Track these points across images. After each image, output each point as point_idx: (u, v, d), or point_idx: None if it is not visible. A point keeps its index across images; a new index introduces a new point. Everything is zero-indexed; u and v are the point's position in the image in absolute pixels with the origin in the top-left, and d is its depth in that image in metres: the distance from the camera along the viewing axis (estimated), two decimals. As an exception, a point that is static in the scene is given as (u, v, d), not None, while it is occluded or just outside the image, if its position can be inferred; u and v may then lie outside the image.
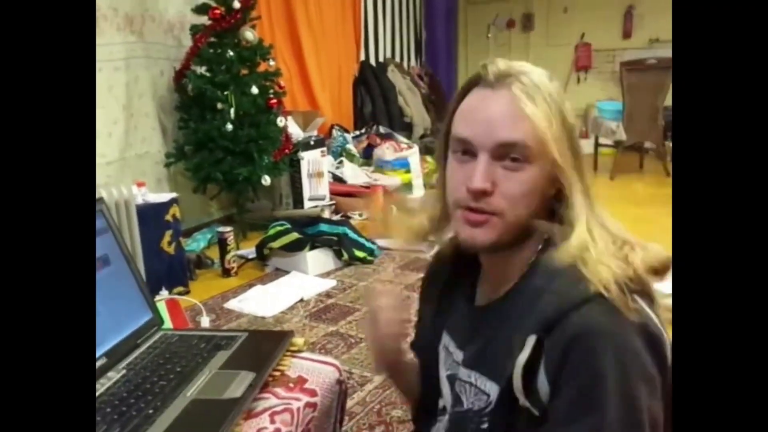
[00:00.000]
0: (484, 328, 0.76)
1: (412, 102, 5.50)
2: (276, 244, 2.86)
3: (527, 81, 0.69)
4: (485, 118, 0.69)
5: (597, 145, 5.21)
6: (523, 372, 0.64)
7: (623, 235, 0.70)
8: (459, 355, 0.80)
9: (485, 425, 0.72)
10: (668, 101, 4.80)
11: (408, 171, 4.35)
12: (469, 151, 0.70)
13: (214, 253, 2.98)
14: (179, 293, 2.47)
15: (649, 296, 0.67)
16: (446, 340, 0.84)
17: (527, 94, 0.68)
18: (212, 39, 3.15)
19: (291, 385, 0.94)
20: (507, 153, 0.68)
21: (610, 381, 0.60)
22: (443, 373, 0.86)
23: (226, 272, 2.84)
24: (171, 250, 2.57)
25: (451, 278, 0.85)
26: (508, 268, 0.74)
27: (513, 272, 0.74)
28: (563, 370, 0.62)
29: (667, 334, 0.66)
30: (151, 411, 0.81)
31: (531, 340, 0.64)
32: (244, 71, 3.22)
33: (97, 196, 2.20)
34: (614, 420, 0.60)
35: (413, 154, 4.44)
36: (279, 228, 2.90)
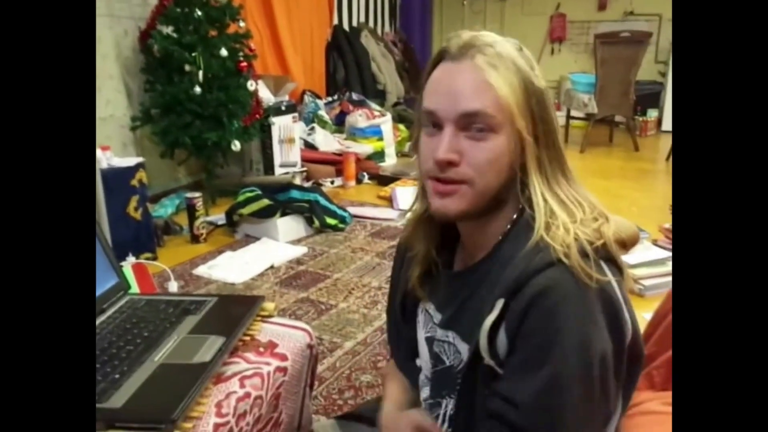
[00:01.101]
0: (460, 291, 0.78)
1: (385, 69, 5.43)
2: (246, 211, 2.82)
3: (491, 51, 0.70)
4: (449, 90, 0.71)
5: (569, 117, 5.24)
6: (489, 332, 0.67)
7: (598, 207, 0.73)
8: (437, 317, 0.83)
9: (459, 382, 0.75)
10: (640, 75, 4.84)
11: (380, 139, 4.32)
12: (436, 123, 0.72)
13: (182, 220, 2.93)
14: (146, 259, 2.42)
15: (616, 265, 0.69)
16: (427, 304, 0.86)
17: (489, 63, 0.69)
18: (179, -3, 3.03)
19: (261, 349, 0.93)
20: (471, 123, 0.70)
21: (565, 337, 0.63)
22: (421, 335, 0.87)
23: (195, 239, 2.80)
24: (138, 215, 2.52)
25: (428, 244, 0.85)
26: (483, 236, 0.76)
27: (489, 239, 0.76)
28: (521, 327, 0.65)
29: (630, 302, 0.70)
30: (117, 376, 0.79)
31: (499, 303, 0.67)
32: (213, 32, 3.13)
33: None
34: (569, 372, 0.63)
35: (386, 122, 4.40)
36: (249, 194, 2.85)
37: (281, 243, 2.76)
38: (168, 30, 3.07)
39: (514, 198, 0.73)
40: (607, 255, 0.68)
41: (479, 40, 0.71)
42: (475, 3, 6.62)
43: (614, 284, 0.67)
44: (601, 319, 0.65)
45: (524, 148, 0.71)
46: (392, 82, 5.43)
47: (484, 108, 0.69)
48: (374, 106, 4.69)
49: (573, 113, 5.18)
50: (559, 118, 5.04)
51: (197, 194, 2.81)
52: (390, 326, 0.99)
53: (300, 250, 2.69)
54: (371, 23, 5.87)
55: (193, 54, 2.99)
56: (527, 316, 0.64)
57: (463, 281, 0.78)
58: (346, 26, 5.45)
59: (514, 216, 0.74)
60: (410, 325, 0.90)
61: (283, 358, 0.93)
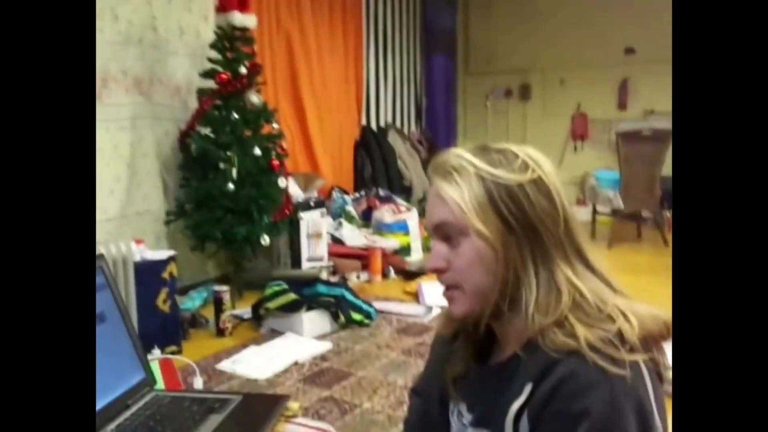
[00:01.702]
0: (493, 386, 0.78)
1: (411, 166, 5.59)
2: (272, 305, 2.83)
3: (446, 167, 0.76)
4: (427, 209, 0.80)
5: (595, 212, 5.26)
6: (515, 417, 0.69)
7: (614, 300, 0.72)
8: (468, 417, 0.82)
9: None
10: (665, 171, 4.88)
11: (407, 234, 4.37)
12: None
13: (209, 312, 2.95)
14: (172, 352, 2.42)
15: (654, 363, 0.69)
16: (459, 405, 0.85)
17: (443, 178, 0.76)
18: (218, 102, 3.23)
19: (284, 451, 0.91)
20: (444, 233, 0.76)
21: (588, 423, 0.63)
22: None
23: (221, 332, 2.81)
24: (166, 308, 2.55)
25: (463, 345, 0.85)
26: (512, 331, 0.77)
27: (519, 334, 0.75)
28: (544, 412, 0.66)
29: (665, 409, 0.69)
30: (138, 476, 0.78)
31: (527, 388, 0.68)
32: (248, 133, 3.29)
33: (97, 252, 2.20)
34: None
35: (412, 217, 4.47)
36: (276, 288, 2.88)
37: (306, 338, 2.74)
38: (206, 131, 3.24)
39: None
40: (636, 344, 0.68)
41: (441, 159, 0.78)
42: (498, 103, 6.87)
43: (647, 385, 0.66)
44: (632, 418, 0.64)
45: (516, 244, 0.73)
46: (418, 179, 5.57)
47: (445, 218, 0.75)
48: (400, 201, 4.78)
49: (599, 209, 5.20)
50: (585, 213, 5.04)
51: (225, 288, 2.85)
52: (412, 410, 0.97)
53: (325, 346, 2.66)
54: (398, 123, 6.11)
55: (228, 152, 3.14)
56: (550, 401, 0.65)
57: (495, 376, 0.78)
58: (374, 126, 5.68)
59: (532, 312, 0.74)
60: (437, 416, 0.89)
61: (306, 460, 0.91)
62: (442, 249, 0.76)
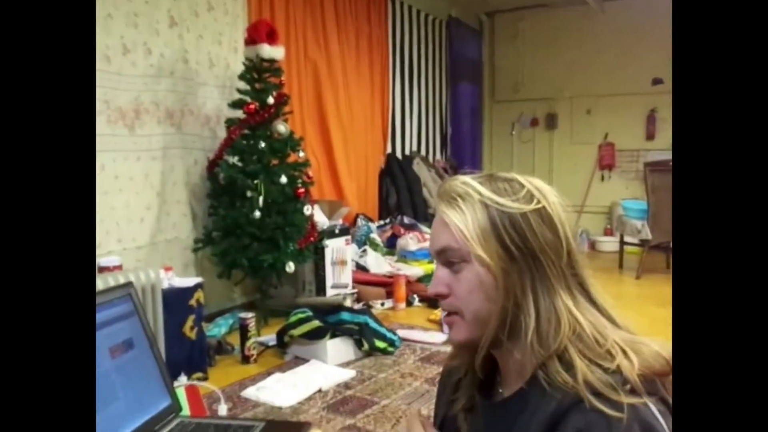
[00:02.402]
0: (498, 424, 0.77)
1: (436, 194, 5.60)
2: (297, 332, 2.85)
3: (451, 194, 0.77)
4: (430, 235, 0.81)
5: (623, 243, 5.19)
6: None
7: (615, 337, 0.71)
8: None
9: None
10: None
11: (431, 261, 4.36)
12: None
13: (234, 339, 2.98)
14: (198, 379, 2.44)
15: (662, 401, 0.68)
16: None
17: (448, 205, 0.76)
18: (246, 131, 3.30)
19: (306, 480, 0.92)
20: (446, 258, 0.77)
21: None
22: None
23: (246, 359, 2.82)
24: (193, 335, 2.58)
25: (470, 376, 0.85)
26: (515, 365, 0.77)
27: (523, 368, 0.75)
28: None
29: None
30: (162, 502, 0.79)
31: None
32: (275, 161, 3.35)
33: (127, 280, 2.25)
34: None
35: (437, 246, 4.45)
36: (300, 315, 2.89)
37: (330, 365, 2.74)
38: (234, 159, 3.30)
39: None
40: (635, 388, 0.67)
41: (447, 186, 0.79)
42: (524, 133, 6.87)
43: (660, 421, 0.65)
44: None
45: (517, 272, 0.73)
46: (443, 207, 5.57)
47: (447, 243, 0.75)
48: (425, 229, 4.78)
49: (627, 239, 5.13)
50: (613, 243, 4.96)
51: (250, 315, 2.87)
52: None
53: (348, 374, 2.66)
54: (423, 151, 6.14)
55: (255, 181, 3.19)
56: None
57: (500, 413, 0.78)
58: (399, 154, 5.73)
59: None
60: None
61: (328, 490, 0.91)
62: (444, 274, 0.77)
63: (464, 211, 0.74)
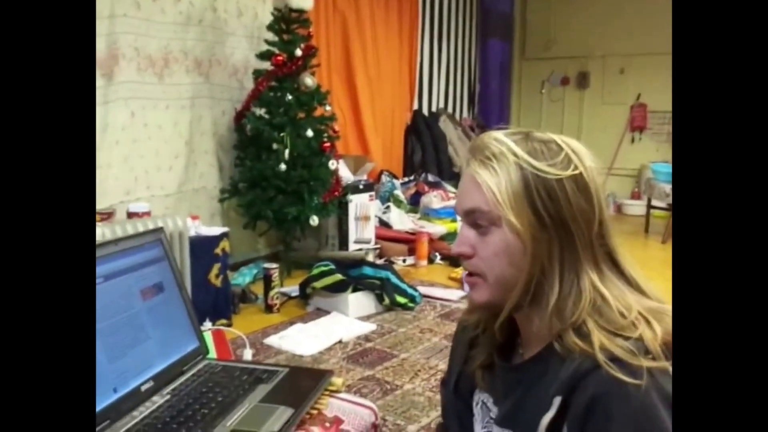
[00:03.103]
0: (517, 386, 0.77)
1: (462, 152, 5.55)
2: (319, 284, 2.89)
3: (486, 152, 0.73)
4: (459, 192, 0.78)
5: (650, 206, 5.11)
6: (547, 430, 0.68)
7: (640, 306, 0.70)
8: (494, 411, 0.82)
9: None
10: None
11: (454, 220, 4.36)
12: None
13: (258, 289, 3.04)
14: (222, 325, 2.51)
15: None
16: (484, 396, 0.85)
17: (481, 163, 0.73)
18: (273, 83, 3.29)
19: (327, 424, 0.95)
20: (474, 219, 0.75)
21: None
22: (478, 429, 0.86)
23: (269, 308, 2.89)
24: (218, 282, 2.64)
25: (488, 334, 0.85)
26: (534, 329, 0.76)
27: (542, 332, 0.75)
28: (586, 425, 0.65)
29: None
30: (191, 437, 0.83)
31: (557, 401, 0.67)
32: (301, 115, 3.34)
33: (158, 225, 2.30)
34: None
35: (460, 204, 4.44)
36: (323, 268, 2.94)
37: (351, 318, 2.79)
38: (261, 111, 3.31)
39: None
40: (656, 356, 0.66)
41: (480, 142, 0.75)
42: (554, 91, 6.72)
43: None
44: (664, 413, 0.63)
45: (546, 241, 0.71)
46: (468, 165, 5.53)
47: (477, 205, 0.73)
48: (449, 187, 4.77)
49: (654, 203, 5.06)
50: (640, 207, 4.90)
51: (274, 265, 2.92)
52: (443, 402, 0.98)
53: (369, 327, 2.71)
54: (450, 109, 6.07)
55: (282, 134, 3.20)
56: (588, 420, 0.65)
57: (519, 376, 0.78)
58: (425, 111, 5.67)
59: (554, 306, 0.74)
60: (463, 408, 0.89)
61: (348, 434, 0.94)
62: (470, 235, 0.75)
63: (498, 173, 0.71)
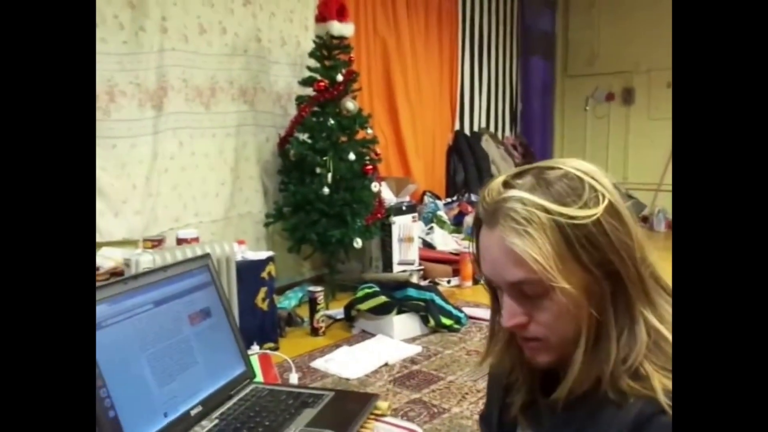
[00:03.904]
0: (565, 427, 0.73)
1: (505, 171, 5.49)
2: (364, 306, 2.90)
3: (514, 213, 0.67)
4: (491, 260, 0.70)
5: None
6: None
7: None
8: None
9: None
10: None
11: (499, 240, 4.31)
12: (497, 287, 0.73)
13: (304, 312, 3.06)
14: (269, 349, 2.53)
15: None
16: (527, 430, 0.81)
17: (514, 231, 0.66)
18: (316, 109, 3.35)
19: (373, 449, 0.94)
20: (522, 289, 0.69)
21: None
22: None
23: (315, 331, 2.90)
24: (265, 306, 2.67)
25: (524, 375, 0.81)
26: (584, 369, 0.72)
27: (592, 370, 0.71)
28: None
29: None
30: (239, 462, 0.84)
31: None
32: (343, 138, 3.38)
33: (204, 251, 2.35)
34: None
35: (505, 224, 4.39)
36: (368, 290, 2.94)
37: (396, 340, 2.78)
38: (304, 137, 3.36)
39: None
40: None
41: (500, 206, 0.68)
42: (599, 108, 6.61)
43: None
44: None
45: (600, 293, 0.67)
46: (512, 184, 5.48)
47: (526, 277, 0.67)
48: (493, 207, 4.72)
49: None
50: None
51: (319, 288, 2.94)
52: None
53: (414, 349, 2.69)
54: (492, 128, 6.04)
55: (324, 158, 3.24)
56: None
57: (567, 416, 0.73)
58: (467, 131, 5.65)
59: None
60: None
61: (394, 459, 0.93)
62: (520, 303, 0.70)
63: (536, 238, 0.65)
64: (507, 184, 0.70)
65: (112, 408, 0.82)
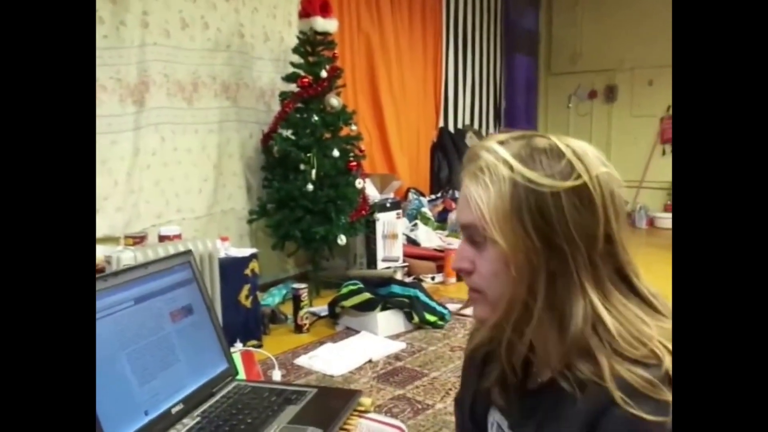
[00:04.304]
0: (532, 413, 0.74)
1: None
2: (348, 303, 2.89)
3: (478, 164, 0.69)
4: (456, 206, 0.74)
5: (683, 218, 5.00)
6: None
7: (649, 331, 0.66)
8: None
9: None
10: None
11: (482, 237, 4.33)
12: None
13: (287, 309, 3.05)
14: (252, 346, 2.52)
15: None
16: (498, 417, 0.82)
17: (473, 176, 0.69)
18: (299, 105, 3.33)
19: (356, 445, 0.94)
20: (470, 234, 0.71)
21: None
22: None
23: (299, 328, 2.89)
24: (248, 303, 2.66)
25: (501, 352, 0.81)
26: (545, 352, 0.73)
27: (553, 356, 0.71)
28: None
29: None
30: (221, 460, 0.83)
31: None
32: (327, 135, 3.37)
33: (186, 248, 2.33)
34: None
35: (488, 220, 4.41)
36: (352, 287, 2.93)
37: (380, 337, 2.78)
38: (287, 133, 3.35)
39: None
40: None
41: (473, 152, 0.71)
42: (581, 105, 6.67)
43: None
44: None
45: (535, 262, 0.66)
46: (496, 181, 5.50)
47: (470, 221, 0.69)
48: (477, 204, 4.74)
49: (688, 215, 4.94)
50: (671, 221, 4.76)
51: (303, 285, 2.93)
52: (457, 422, 0.95)
53: (398, 346, 2.69)
54: (476, 125, 6.06)
55: (309, 154, 3.23)
56: None
57: (534, 402, 0.74)
58: (451, 128, 5.67)
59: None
60: (481, 428, 0.86)
61: (378, 456, 0.93)
62: (467, 250, 0.71)
63: (489, 187, 0.67)
64: (496, 139, 0.71)
65: (91, 406, 0.81)
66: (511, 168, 0.66)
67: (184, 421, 0.95)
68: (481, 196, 0.67)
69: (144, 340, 0.94)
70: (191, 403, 0.98)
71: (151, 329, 0.96)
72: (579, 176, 0.65)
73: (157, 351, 0.96)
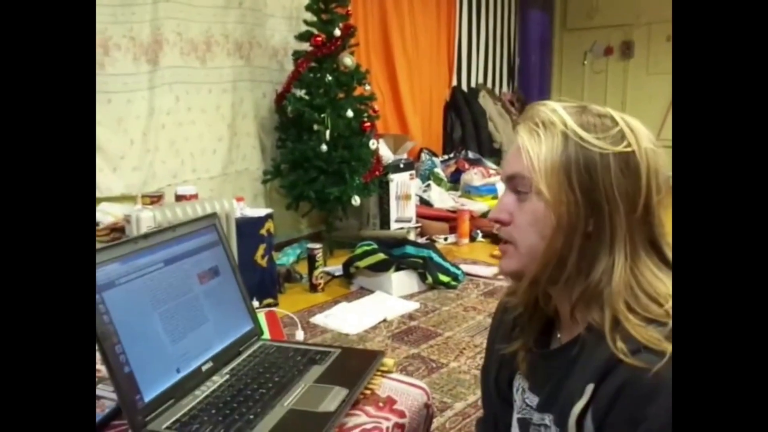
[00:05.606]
0: (555, 371, 0.76)
1: (502, 128, 5.48)
2: (362, 263, 2.92)
3: (538, 119, 0.71)
4: (505, 157, 0.78)
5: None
6: (578, 418, 0.67)
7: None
8: (533, 399, 0.81)
9: None
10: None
11: (495, 197, 4.32)
12: None
13: (302, 268, 3.09)
14: (268, 305, 2.57)
15: None
16: (523, 382, 0.84)
17: (528, 129, 0.71)
18: (313, 64, 3.29)
19: (381, 404, 0.97)
20: (515, 186, 0.73)
21: (653, 426, 0.61)
22: (515, 415, 0.85)
23: (314, 287, 2.94)
24: (263, 263, 2.69)
25: (528, 315, 0.83)
26: (568, 311, 0.74)
27: (576, 316, 0.73)
28: (608, 416, 0.64)
29: None
30: (251, 416, 0.86)
31: (589, 389, 0.66)
32: (341, 95, 3.34)
33: (202, 208, 2.36)
34: None
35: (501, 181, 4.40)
36: (366, 248, 2.96)
37: (394, 297, 2.82)
38: (301, 93, 3.32)
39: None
40: None
41: (533, 110, 0.73)
42: (596, 63, 6.54)
43: None
44: None
45: (577, 218, 0.68)
46: (509, 141, 5.45)
47: (519, 171, 0.71)
48: (490, 164, 4.72)
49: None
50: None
51: (318, 245, 2.96)
52: (483, 389, 0.98)
53: (412, 306, 2.73)
54: (489, 84, 5.97)
55: (322, 115, 3.21)
56: (615, 404, 0.63)
57: (557, 361, 0.76)
58: (464, 87, 5.59)
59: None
60: (504, 396, 0.89)
61: (402, 414, 0.96)
62: (509, 201, 0.74)
63: (542, 140, 0.69)
64: (556, 100, 0.74)
65: (126, 363, 0.84)
66: (565, 125, 0.69)
67: (214, 378, 0.98)
68: (534, 147, 0.70)
69: (174, 300, 0.96)
70: (220, 361, 1.01)
71: (181, 290, 0.99)
72: (629, 144, 0.68)
73: (187, 311, 0.99)
